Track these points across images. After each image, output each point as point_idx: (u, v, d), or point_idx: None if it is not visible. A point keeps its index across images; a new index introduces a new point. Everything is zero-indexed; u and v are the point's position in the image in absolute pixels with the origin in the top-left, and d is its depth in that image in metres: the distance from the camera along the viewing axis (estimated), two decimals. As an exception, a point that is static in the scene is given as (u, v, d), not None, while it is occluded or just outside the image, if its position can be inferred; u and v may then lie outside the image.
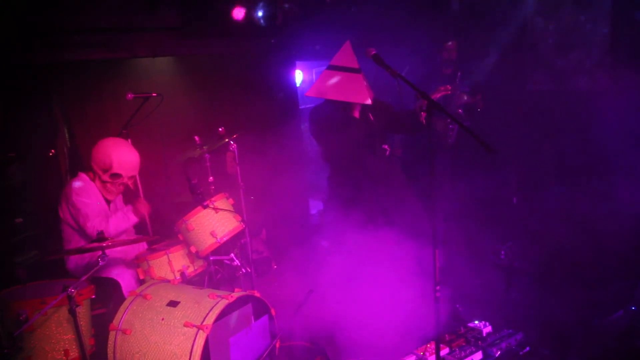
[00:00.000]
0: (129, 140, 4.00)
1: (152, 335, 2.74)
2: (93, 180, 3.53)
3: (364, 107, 3.54)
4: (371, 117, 3.59)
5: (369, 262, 3.35)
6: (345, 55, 3.47)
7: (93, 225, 3.34)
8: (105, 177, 3.47)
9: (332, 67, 3.48)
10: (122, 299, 3.21)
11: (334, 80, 3.44)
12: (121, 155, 3.45)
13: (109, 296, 3.33)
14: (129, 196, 3.93)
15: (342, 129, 3.49)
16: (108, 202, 3.62)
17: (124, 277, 3.39)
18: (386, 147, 3.66)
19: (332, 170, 3.77)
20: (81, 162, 4.70)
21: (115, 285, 3.34)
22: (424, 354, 2.94)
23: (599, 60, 4.66)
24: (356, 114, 3.58)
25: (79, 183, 3.50)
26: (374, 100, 3.47)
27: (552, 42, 4.99)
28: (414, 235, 3.22)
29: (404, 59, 4.96)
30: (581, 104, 4.64)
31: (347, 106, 3.51)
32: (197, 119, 5.28)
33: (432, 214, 2.53)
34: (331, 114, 3.54)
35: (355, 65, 3.44)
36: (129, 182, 3.58)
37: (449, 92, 3.39)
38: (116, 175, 3.47)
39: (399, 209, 3.46)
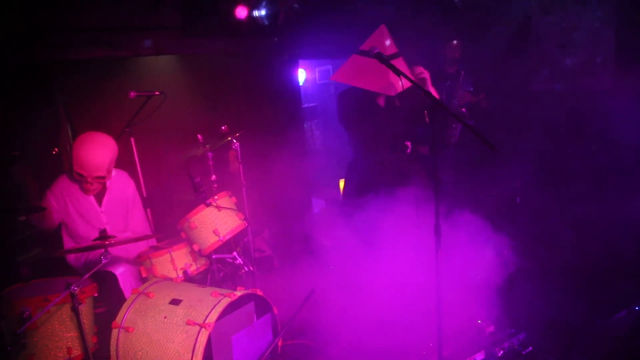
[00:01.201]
0: (131, 139, 4.01)
1: (154, 334, 2.74)
2: (70, 177, 3.53)
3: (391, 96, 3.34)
4: (397, 102, 3.43)
5: (374, 257, 3.32)
6: (378, 40, 3.27)
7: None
8: (74, 174, 3.42)
9: (361, 52, 3.30)
10: (119, 293, 3.22)
11: (360, 66, 3.25)
12: (81, 154, 3.34)
13: (110, 292, 3.33)
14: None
15: (365, 117, 3.36)
16: (99, 198, 3.60)
17: (123, 273, 3.39)
18: (408, 144, 3.52)
19: (354, 156, 3.67)
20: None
21: (112, 278, 3.34)
22: (426, 353, 2.94)
23: (604, 60, 4.64)
24: (381, 102, 3.44)
25: (58, 183, 3.54)
26: (407, 89, 3.21)
27: (556, 41, 4.97)
28: (420, 233, 3.19)
29: (407, 57, 4.94)
30: (586, 103, 4.62)
31: (372, 94, 3.35)
32: (199, 117, 5.28)
33: (436, 213, 2.51)
34: (357, 100, 3.40)
35: (385, 52, 3.17)
36: (96, 183, 3.48)
37: (423, 74, 3.27)
38: (79, 174, 3.40)
39: (411, 206, 3.38)
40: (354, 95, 3.45)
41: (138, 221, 3.83)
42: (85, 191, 3.53)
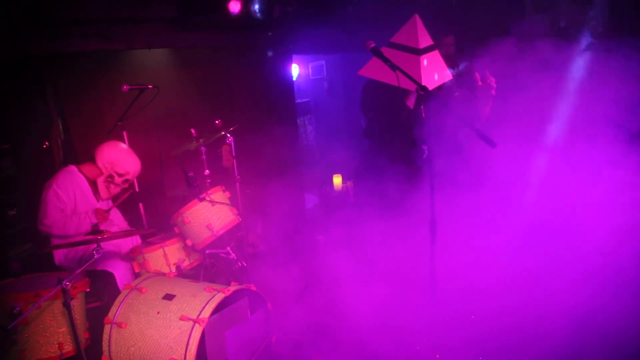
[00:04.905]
0: (124, 133, 3.99)
1: (147, 329, 2.72)
2: (83, 172, 3.53)
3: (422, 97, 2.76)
4: (423, 112, 3.09)
5: (371, 255, 3.31)
6: (409, 32, 3.01)
7: (47, 223, 3.35)
8: (118, 180, 3.58)
9: (391, 45, 3.03)
10: (116, 291, 3.19)
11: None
12: (130, 160, 3.60)
13: (104, 289, 3.30)
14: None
15: (388, 114, 3.15)
16: (97, 197, 3.61)
17: (118, 270, 3.36)
18: (425, 148, 3.24)
19: (369, 147, 3.49)
20: (76, 154, 4.66)
21: (109, 277, 3.31)
22: (419, 349, 2.94)
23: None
24: (410, 104, 3.20)
25: (65, 177, 3.48)
26: (440, 88, 2.95)
27: (549, 39, 4.98)
28: (421, 232, 3.14)
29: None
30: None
31: (403, 91, 3.00)
32: (193, 111, 5.24)
33: (431, 209, 2.51)
34: (384, 95, 3.14)
35: (417, 45, 2.96)
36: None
37: (492, 89, 3.12)
38: (128, 181, 3.66)
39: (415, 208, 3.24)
40: (382, 87, 3.07)
41: (116, 214, 3.82)
42: (110, 193, 3.64)
